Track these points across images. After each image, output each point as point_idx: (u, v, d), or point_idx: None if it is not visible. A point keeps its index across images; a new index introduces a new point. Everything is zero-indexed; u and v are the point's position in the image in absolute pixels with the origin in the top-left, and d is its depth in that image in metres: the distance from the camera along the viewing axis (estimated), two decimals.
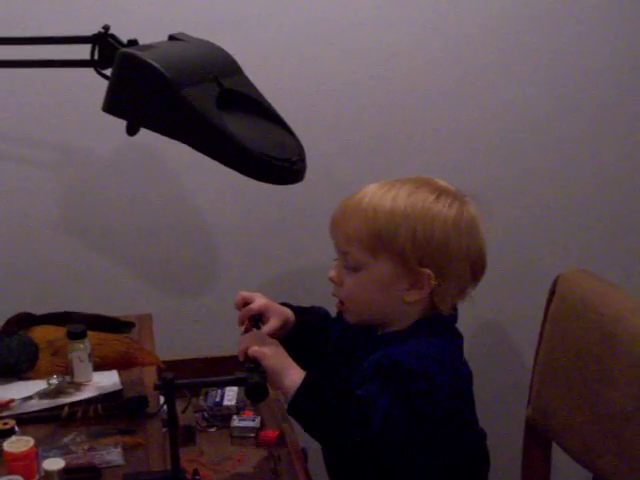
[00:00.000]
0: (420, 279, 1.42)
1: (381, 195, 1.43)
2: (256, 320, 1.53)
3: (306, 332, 1.58)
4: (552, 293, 1.77)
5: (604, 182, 2.20)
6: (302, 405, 1.35)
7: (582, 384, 1.65)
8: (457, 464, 1.46)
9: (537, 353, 1.81)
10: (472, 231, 1.44)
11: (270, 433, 1.65)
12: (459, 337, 1.50)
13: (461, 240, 1.42)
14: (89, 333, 1.65)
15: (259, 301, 1.54)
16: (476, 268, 1.46)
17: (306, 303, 1.66)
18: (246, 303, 1.55)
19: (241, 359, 1.40)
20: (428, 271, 1.41)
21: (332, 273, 1.49)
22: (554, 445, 1.80)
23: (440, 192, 1.44)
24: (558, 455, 1.80)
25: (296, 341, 1.53)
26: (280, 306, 1.57)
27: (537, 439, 1.82)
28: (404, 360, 1.36)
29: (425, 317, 1.46)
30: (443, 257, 1.41)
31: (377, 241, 1.41)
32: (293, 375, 1.35)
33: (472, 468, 1.52)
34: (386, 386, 1.34)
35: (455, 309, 1.49)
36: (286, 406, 1.37)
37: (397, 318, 1.46)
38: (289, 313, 1.57)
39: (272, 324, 1.52)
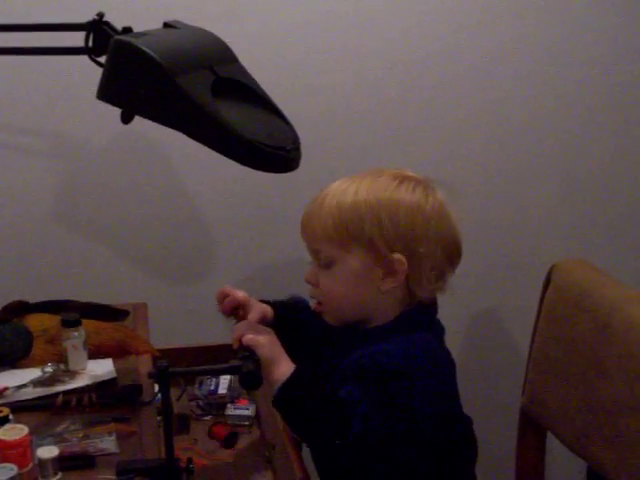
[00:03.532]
0: (393, 265, 1.42)
1: (343, 190, 1.44)
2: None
3: (285, 327, 1.57)
4: (547, 282, 1.77)
5: (600, 172, 2.20)
6: (285, 400, 1.35)
7: (576, 373, 1.65)
8: (443, 453, 1.46)
9: (532, 342, 1.81)
10: (440, 214, 1.43)
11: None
12: (440, 329, 1.50)
13: (429, 223, 1.42)
14: (84, 321, 1.65)
15: (240, 293, 1.55)
16: (451, 252, 1.45)
17: (300, 293, 1.65)
18: (226, 297, 1.55)
19: (235, 347, 1.40)
20: (399, 256, 1.41)
21: (307, 275, 1.49)
22: (549, 434, 1.80)
23: (402, 179, 1.44)
24: (553, 444, 1.81)
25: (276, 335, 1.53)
26: (259, 302, 1.57)
27: (531, 428, 1.83)
28: (386, 360, 1.36)
29: (406, 311, 1.45)
30: (412, 240, 1.41)
31: (345, 235, 1.41)
32: (282, 367, 1.35)
33: (460, 455, 1.51)
34: (367, 387, 1.33)
35: (435, 302, 1.49)
36: (272, 398, 1.37)
37: (377, 313, 1.46)
38: (267, 309, 1.57)
39: (251, 317, 1.52)
